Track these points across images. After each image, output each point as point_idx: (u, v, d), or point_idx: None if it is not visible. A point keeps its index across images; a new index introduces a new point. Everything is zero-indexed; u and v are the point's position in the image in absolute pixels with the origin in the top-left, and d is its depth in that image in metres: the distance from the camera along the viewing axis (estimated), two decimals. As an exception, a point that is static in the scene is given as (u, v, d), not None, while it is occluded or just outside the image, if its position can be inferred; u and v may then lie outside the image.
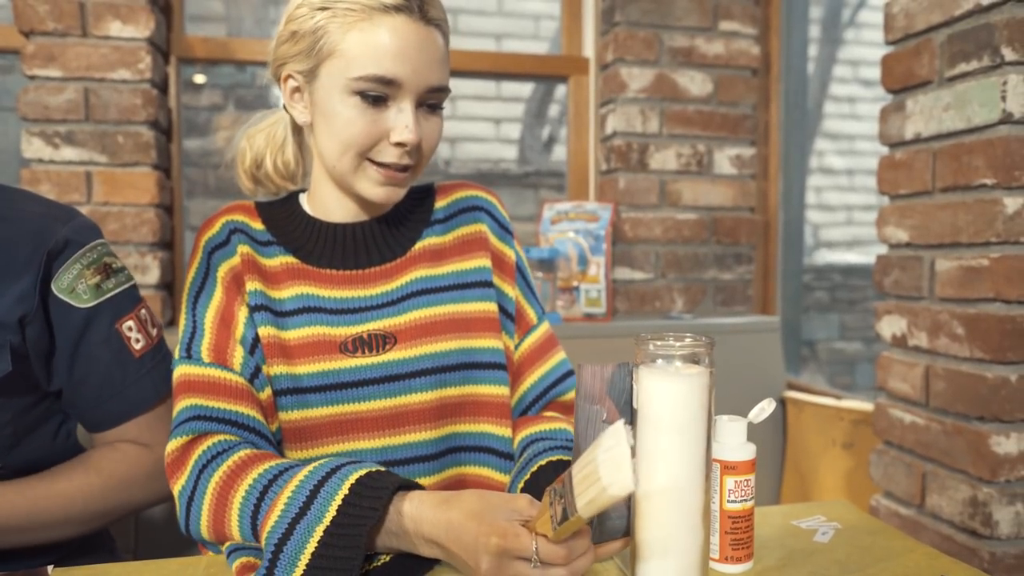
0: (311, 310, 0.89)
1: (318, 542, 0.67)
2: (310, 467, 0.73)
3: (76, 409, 0.96)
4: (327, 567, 0.66)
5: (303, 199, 0.97)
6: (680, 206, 2.05)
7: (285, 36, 0.88)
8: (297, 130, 0.97)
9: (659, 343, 0.66)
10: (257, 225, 0.93)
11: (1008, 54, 1.12)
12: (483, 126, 2.98)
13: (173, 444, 0.81)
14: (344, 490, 0.69)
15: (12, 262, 0.88)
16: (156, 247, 1.71)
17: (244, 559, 0.74)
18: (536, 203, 2.78)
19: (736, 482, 0.72)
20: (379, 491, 0.68)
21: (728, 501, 0.73)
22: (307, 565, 0.67)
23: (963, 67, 1.20)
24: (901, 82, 1.33)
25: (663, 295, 2.05)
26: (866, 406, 1.68)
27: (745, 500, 0.73)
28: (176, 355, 0.87)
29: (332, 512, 0.68)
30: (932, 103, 1.26)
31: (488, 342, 0.93)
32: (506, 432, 0.93)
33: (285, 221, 0.94)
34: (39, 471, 0.92)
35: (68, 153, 1.65)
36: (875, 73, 1.67)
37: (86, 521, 0.92)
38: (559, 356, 1.00)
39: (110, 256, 0.97)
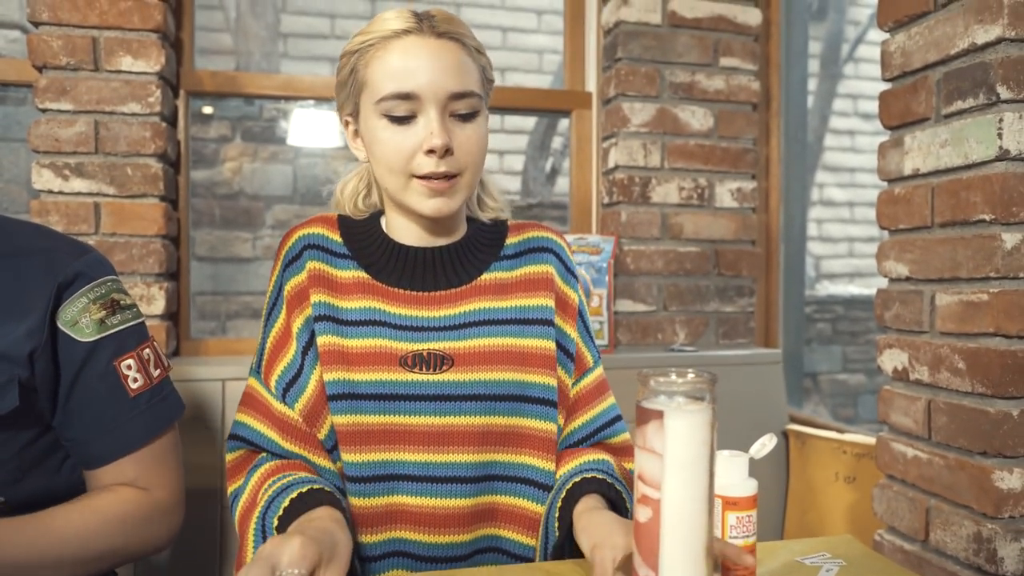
0: (376, 323, 0.94)
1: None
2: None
3: (68, 443, 0.95)
4: None
5: (383, 220, 1.02)
6: (682, 239, 2.06)
7: (336, 87, 0.96)
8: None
9: (661, 379, 0.67)
10: (336, 237, 1.00)
11: (1003, 92, 1.14)
12: (487, 158, 3.01)
13: (231, 456, 0.97)
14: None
15: (23, 296, 0.88)
16: (162, 277, 1.73)
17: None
18: (539, 234, 2.79)
19: (738, 518, 0.73)
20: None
21: (730, 537, 0.73)
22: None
23: (960, 104, 1.22)
24: (899, 119, 1.35)
25: (665, 327, 2.06)
26: (868, 439, 1.68)
27: (747, 536, 0.73)
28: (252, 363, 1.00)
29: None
30: (930, 139, 1.28)
31: (541, 378, 0.96)
32: (548, 465, 0.95)
33: (363, 238, 1.00)
34: (42, 505, 0.91)
35: (77, 184, 1.67)
36: (874, 107, 1.69)
37: (82, 563, 0.90)
38: (610, 400, 1.05)
39: (119, 293, 0.97)
